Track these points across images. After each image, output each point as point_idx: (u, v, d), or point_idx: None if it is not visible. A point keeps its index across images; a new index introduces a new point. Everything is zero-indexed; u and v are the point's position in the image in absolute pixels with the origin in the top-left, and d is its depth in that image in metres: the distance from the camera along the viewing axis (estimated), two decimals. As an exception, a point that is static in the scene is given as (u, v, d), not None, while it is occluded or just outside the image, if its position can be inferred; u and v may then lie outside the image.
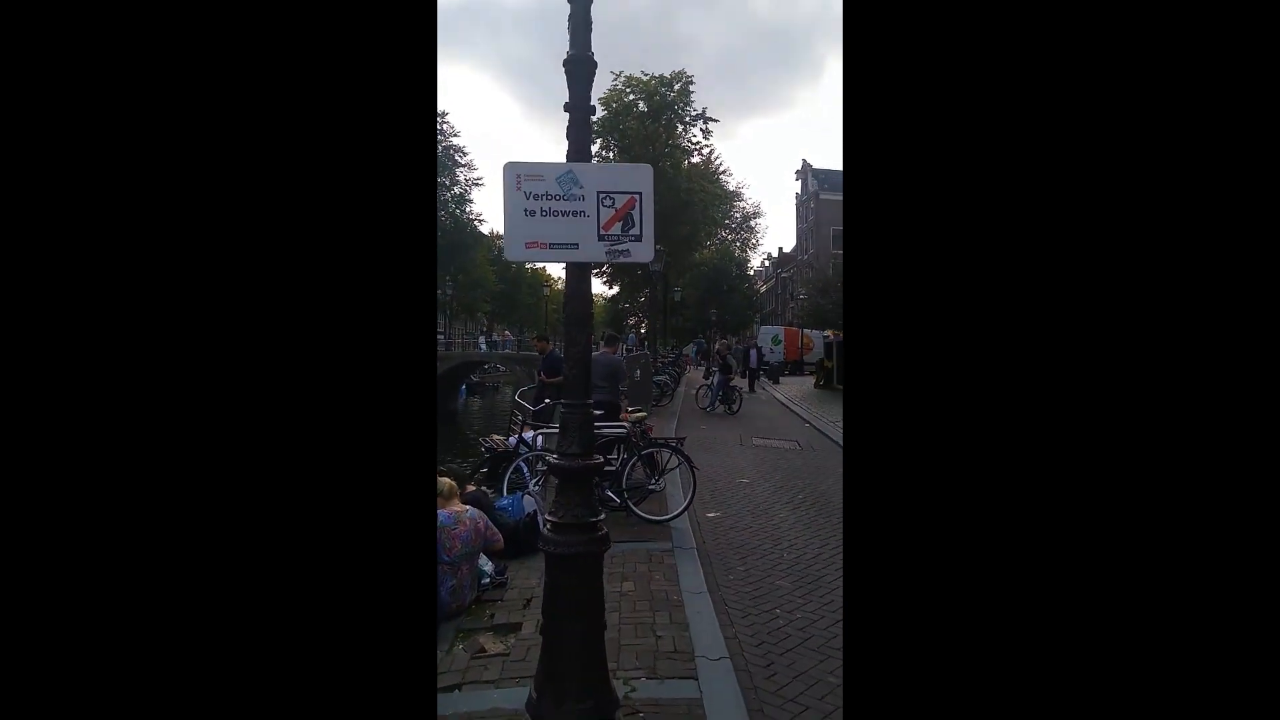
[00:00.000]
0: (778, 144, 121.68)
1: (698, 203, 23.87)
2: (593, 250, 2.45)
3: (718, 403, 13.97)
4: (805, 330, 29.90)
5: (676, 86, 23.22)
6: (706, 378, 15.59)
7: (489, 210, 42.36)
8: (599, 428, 5.38)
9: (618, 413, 6.37)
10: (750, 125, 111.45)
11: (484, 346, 34.83)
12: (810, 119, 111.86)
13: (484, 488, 5.32)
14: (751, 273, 44.62)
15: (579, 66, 2.49)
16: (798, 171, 47.81)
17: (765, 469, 8.08)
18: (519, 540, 4.58)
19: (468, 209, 36.10)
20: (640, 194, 2.45)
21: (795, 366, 27.24)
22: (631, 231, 2.45)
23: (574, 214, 2.43)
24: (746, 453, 9.31)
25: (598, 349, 8.28)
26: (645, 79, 23.00)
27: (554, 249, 2.46)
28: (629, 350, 18.12)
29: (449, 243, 33.06)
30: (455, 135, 36.17)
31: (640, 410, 6.52)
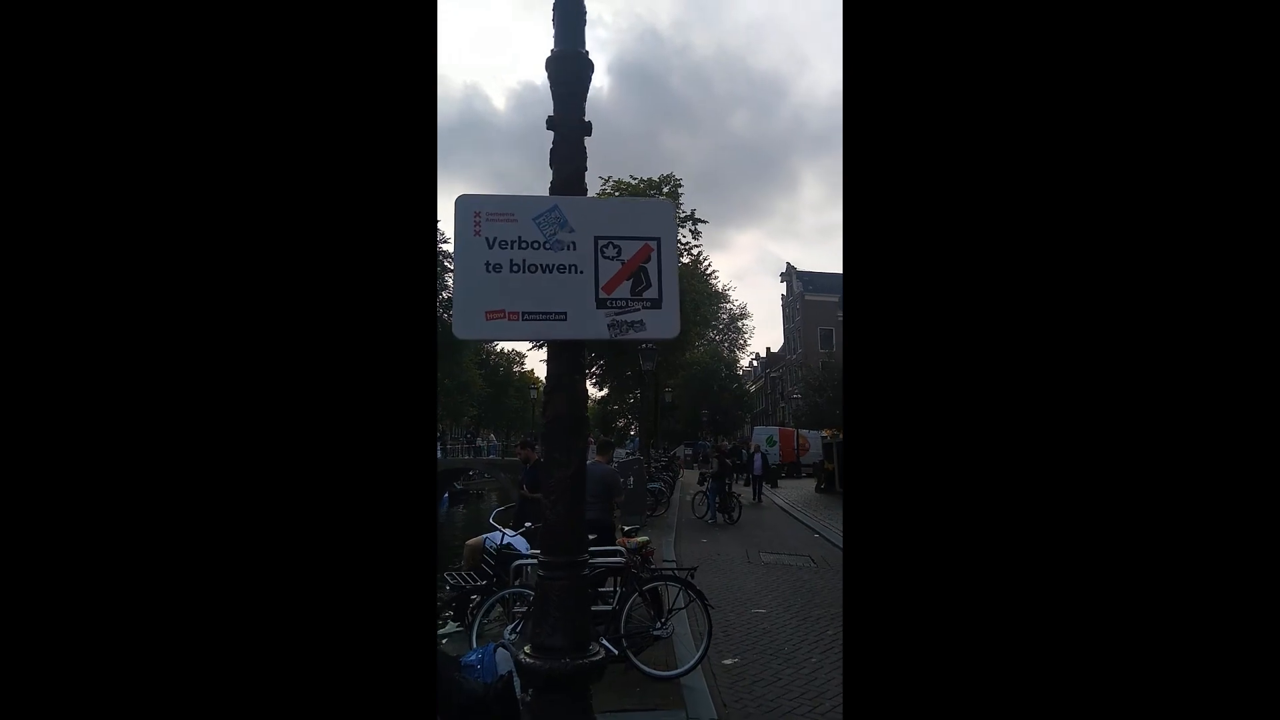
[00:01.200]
0: (760, 250, 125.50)
1: (688, 301, 23.62)
2: (589, 322, 1.62)
3: (716, 511, 12.93)
4: (800, 430, 29.07)
5: (665, 189, 23.48)
6: (701, 483, 14.54)
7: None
8: (589, 556, 4.38)
9: (612, 535, 5.35)
10: (733, 233, 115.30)
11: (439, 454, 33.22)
12: (788, 226, 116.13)
13: (447, 637, 4.23)
14: (741, 373, 44.29)
15: (567, 66, 1.76)
16: (782, 274, 48.59)
17: (782, 594, 7.01)
18: (489, 714, 3.49)
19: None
20: (659, 240, 1.65)
21: (792, 468, 26.28)
22: (646, 294, 1.62)
23: (560, 269, 1.62)
24: (756, 572, 8.23)
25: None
26: (634, 182, 23.24)
27: (529, 321, 1.62)
28: (629, 455, 17.05)
29: (438, 344, 32.62)
30: (445, 242, 36.60)
31: (640, 533, 5.47)
